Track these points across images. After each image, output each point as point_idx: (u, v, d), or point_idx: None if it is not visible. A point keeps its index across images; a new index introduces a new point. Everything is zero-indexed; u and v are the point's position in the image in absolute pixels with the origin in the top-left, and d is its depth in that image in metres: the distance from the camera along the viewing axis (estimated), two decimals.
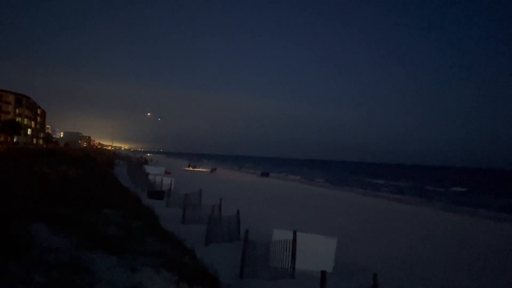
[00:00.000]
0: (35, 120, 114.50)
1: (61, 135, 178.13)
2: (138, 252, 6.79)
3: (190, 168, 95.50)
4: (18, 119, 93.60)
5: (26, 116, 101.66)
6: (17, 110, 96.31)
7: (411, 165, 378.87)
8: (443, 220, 31.84)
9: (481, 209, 45.54)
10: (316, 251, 13.13)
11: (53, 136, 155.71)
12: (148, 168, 50.65)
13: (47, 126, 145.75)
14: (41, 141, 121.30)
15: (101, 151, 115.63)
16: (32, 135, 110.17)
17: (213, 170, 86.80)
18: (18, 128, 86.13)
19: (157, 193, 29.22)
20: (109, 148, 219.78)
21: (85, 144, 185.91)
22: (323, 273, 8.41)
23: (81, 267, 4.51)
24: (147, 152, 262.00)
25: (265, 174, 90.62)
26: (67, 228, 6.36)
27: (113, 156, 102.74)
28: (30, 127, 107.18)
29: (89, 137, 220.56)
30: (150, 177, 37.17)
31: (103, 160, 59.68)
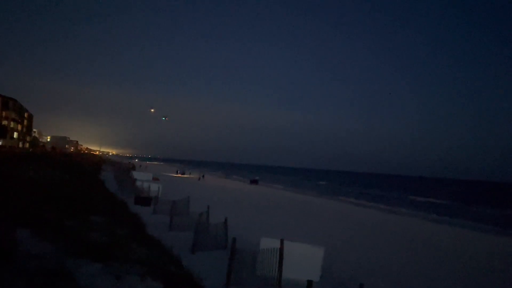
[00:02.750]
0: (22, 124, 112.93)
1: (48, 139, 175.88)
2: (124, 260, 6.72)
3: (178, 175, 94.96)
4: (4, 122, 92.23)
5: (13, 119, 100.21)
6: (3, 113, 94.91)
7: (401, 176, 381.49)
8: (430, 230, 32.11)
9: (468, 221, 46.02)
10: (303, 260, 13.13)
11: (40, 140, 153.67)
12: (135, 174, 50.23)
13: (34, 130, 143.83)
14: (27, 145, 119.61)
15: (88, 156, 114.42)
16: (19, 139, 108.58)
17: (201, 177, 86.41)
18: (4, 131, 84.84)
19: (144, 200, 28.94)
20: (97, 153, 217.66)
21: (72, 149, 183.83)
22: (310, 282, 8.41)
23: (65, 274, 4.45)
24: (135, 157, 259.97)
25: (254, 182, 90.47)
26: (52, 234, 6.27)
27: (101, 161, 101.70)
28: (17, 131, 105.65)
29: (77, 142, 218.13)
30: (138, 183, 36.84)
31: (90, 165, 59.03)
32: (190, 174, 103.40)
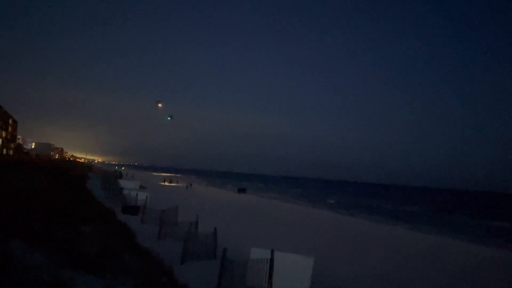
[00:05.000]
0: (6, 130, 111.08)
1: (33, 146, 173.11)
2: (116, 271, 6.70)
3: (166, 183, 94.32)
4: None
5: None
6: None
7: (392, 185, 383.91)
8: (418, 240, 32.43)
9: (454, 231, 46.61)
10: (293, 270, 13.17)
11: (25, 146, 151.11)
12: (122, 182, 49.71)
13: (18, 136, 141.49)
14: (11, 152, 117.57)
15: (73, 163, 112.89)
16: (2, 145, 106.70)
17: (189, 185, 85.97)
18: None
19: (132, 209, 28.71)
20: (82, 160, 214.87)
21: (57, 156, 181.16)
22: None
23: (62, 286, 4.44)
24: (121, 165, 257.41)
25: (242, 191, 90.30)
26: (44, 245, 6.23)
27: (86, 168, 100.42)
28: (1, 137, 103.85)
29: (62, 149, 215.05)
30: (125, 191, 36.48)
31: (76, 173, 58.26)
32: (177, 182, 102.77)
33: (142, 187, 53.34)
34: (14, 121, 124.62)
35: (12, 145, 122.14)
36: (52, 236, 7.54)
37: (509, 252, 30.99)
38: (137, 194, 35.20)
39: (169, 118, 45.99)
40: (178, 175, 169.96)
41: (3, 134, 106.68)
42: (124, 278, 6.09)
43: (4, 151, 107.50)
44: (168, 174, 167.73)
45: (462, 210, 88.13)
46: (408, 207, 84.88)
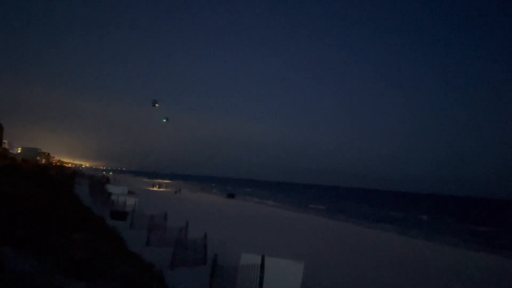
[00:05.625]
0: None
1: (19, 151, 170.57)
2: (107, 276, 6.66)
3: (155, 188, 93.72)
4: None
5: None
6: None
7: (384, 191, 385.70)
8: (406, 245, 32.72)
9: (439, 235, 47.13)
10: (284, 276, 13.19)
11: (11, 151, 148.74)
12: (110, 188, 49.25)
13: (4, 141, 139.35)
14: None
15: (61, 169, 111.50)
16: None
17: (178, 190, 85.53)
18: None
19: (120, 214, 28.46)
20: (69, 165, 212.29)
21: (44, 161, 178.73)
22: None
23: None
24: (109, 170, 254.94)
25: (231, 196, 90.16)
26: (35, 251, 6.17)
27: (74, 174, 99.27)
28: None
29: (48, 154, 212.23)
30: (113, 197, 36.17)
31: (63, 178, 57.57)
32: (166, 188, 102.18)
33: (130, 193, 52.92)
34: (0, 126, 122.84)
35: None
36: (42, 243, 7.47)
37: (493, 256, 31.46)
38: (125, 199, 34.92)
39: (164, 120, 44.64)
40: (167, 181, 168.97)
41: None
42: (115, 284, 6.06)
43: None
44: (160, 181, 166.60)
45: (450, 215, 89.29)
46: (397, 213, 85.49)
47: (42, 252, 6.29)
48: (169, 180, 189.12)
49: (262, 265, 12.65)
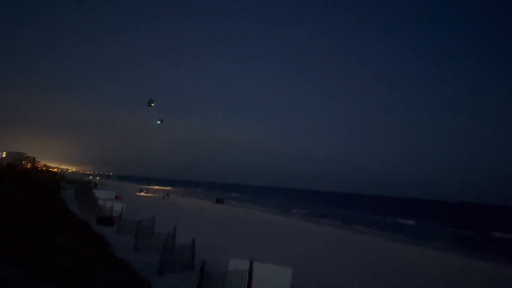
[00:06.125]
0: None
1: (4, 155, 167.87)
2: (92, 283, 6.53)
3: (142, 193, 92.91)
4: None
5: None
6: None
7: (372, 196, 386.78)
8: (394, 250, 32.89)
9: (424, 239, 47.48)
10: (272, 281, 13.13)
11: None
12: (97, 193, 48.66)
13: None
14: None
15: (47, 173, 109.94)
16: None
17: (166, 195, 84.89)
18: None
19: (107, 219, 28.11)
20: (56, 170, 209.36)
21: (29, 165, 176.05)
22: None
23: None
24: (96, 175, 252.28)
25: (219, 201, 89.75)
26: (18, 257, 6.02)
27: (60, 179, 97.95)
28: None
29: (34, 158, 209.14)
30: (100, 202, 35.74)
31: (49, 183, 56.73)
32: (154, 193, 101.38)
33: (117, 198, 52.34)
34: None
35: None
36: (25, 248, 7.30)
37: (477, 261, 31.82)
38: (112, 204, 34.53)
39: (159, 122, 42.62)
40: (155, 186, 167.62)
41: None
42: None
43: None
44: (148, 186, 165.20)
45: (436, 220, 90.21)
46: (383, 217, 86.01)
47: (25, 258, 6.13)
48: (157, 185, 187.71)
49: (251, 270, 12.58)
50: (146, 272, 12.15)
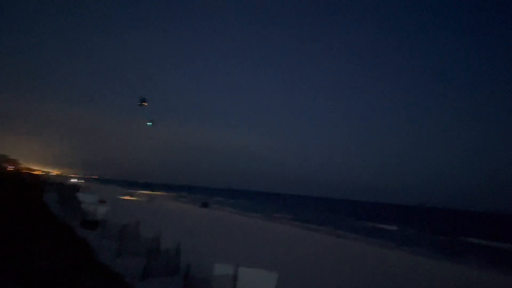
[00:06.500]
0: None
1: None
2: None
3: (127, 197, 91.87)
4: None
5: None
6: None
7: (357, 201, 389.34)
8: (378, 256, 33.15)
9: (406, 245, 48.01)
10: (257, 286, 13.09)
11: None
12: (81, 196, 47.94)
13: None
14: None
15: (29, 176, 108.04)
16: None
17: (151, 199, 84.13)
18: None
19: (91, 223, 27.75)
20: (39, 172, 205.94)
21: (11, 168, 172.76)
22: None
23: None
24: (80, 178, 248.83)
25: (205, 205, 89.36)
26: None
27: (43, 181, 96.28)
28: None
29: (16, 160, 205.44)
30: (83, 205, 35.23)
31: (32, 186, 55.72)
32: (139, 196, 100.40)
33: (102, 201, 51.66)
34: None
35: None
36: (4, 253, 7.15)
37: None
38: (96, 208, 34.07)
39: (149, 124, 40.51)
40: (140, 189, 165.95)
41: None
42: None
43: None
44: (134, 190, 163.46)
45: (418, 226, 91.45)
46: (366, 222, 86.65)
47: (3, 263, 6.01)
48: (143, 189, 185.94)
49: (236, 275, 12.54)
50: (130, 277, 12.01)
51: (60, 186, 78.45)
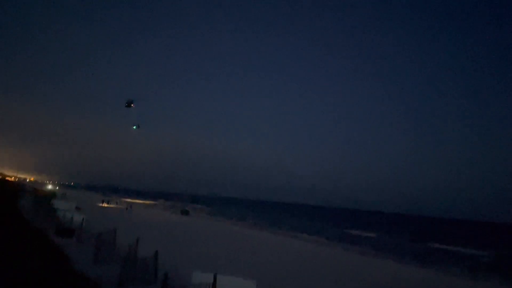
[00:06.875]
0: None
1: None
2: None
3: (104, 204, 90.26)
4: None
5: None
6: None
7: (338, 208, 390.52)
8: (360, 263, 33.44)
9: (385, 252, 48.61)
10: None
11: None
12: (57, 203, 46.95)
13: None
14: None
15: (3, 182, 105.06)
16: None
17: (128, 207, 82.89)
18: None
19: (67, 231, 27.17)
20: (13, 179, 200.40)
21: None
22: None
23: None
24: (56, 184, 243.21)
25: (184, 213, 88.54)
26: None
27: (18, 188, 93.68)
28: None
29: None
30: (59, 212, 34.51)
31: (5, 192, 54.23)
32: (117, 203, 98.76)
33: (78, 208, 50.70)
34: None
35: None
36: None
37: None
38: (72, 215, 33.44)
39: (134, 128, 38.81)
40: (118, 196, 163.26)
41: None
42: None
43: None
44: (111, 197, 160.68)
45: (397, 233, 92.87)
46: (350, 231, 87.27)
47: None
48: (121, 195, 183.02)
49: (214, 284, 12.48)
50: (106, 285, 11.80)
51: (35, 193, 76.60)
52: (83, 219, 32.43)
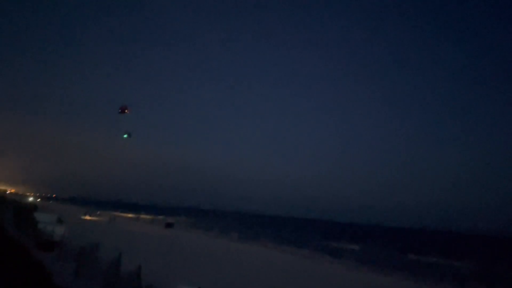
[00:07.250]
0: None
1: None
2: None
3: (87, 217, 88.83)
4: None
5: None
6: None
7: (323, 220, 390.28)
8: (346, 277, 33.59)
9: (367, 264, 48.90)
10: None
11: None
12: (38, 216, 46.05)
13: None
14: None
15: None
16: None
17: (112, 219, 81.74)
18: None
19: (47, 244, 26.70)
20: None
21: None
22: None
23: None
24: (38, 196, 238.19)
25: (169, 225, 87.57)
26: None
27: None
28: None
29: None
30: (40, 225, 33.89)
31: None
32: (100, 216, 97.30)
33: (60, 221, 49.80)
34: None
35: None
36: None
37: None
38: (54, 228, 32.85)
39: (125, 136, 36.50)
40: (100, 208, 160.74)
41: None
42: None
43: None
44: (94, 210, 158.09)
45: (381, 245, 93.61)
46: (333, 243, 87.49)
47: None
48: (104, 208, 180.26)
49: None
50: None
51: (16, 205, 74.96)
52: (65, 232, 31.91)
